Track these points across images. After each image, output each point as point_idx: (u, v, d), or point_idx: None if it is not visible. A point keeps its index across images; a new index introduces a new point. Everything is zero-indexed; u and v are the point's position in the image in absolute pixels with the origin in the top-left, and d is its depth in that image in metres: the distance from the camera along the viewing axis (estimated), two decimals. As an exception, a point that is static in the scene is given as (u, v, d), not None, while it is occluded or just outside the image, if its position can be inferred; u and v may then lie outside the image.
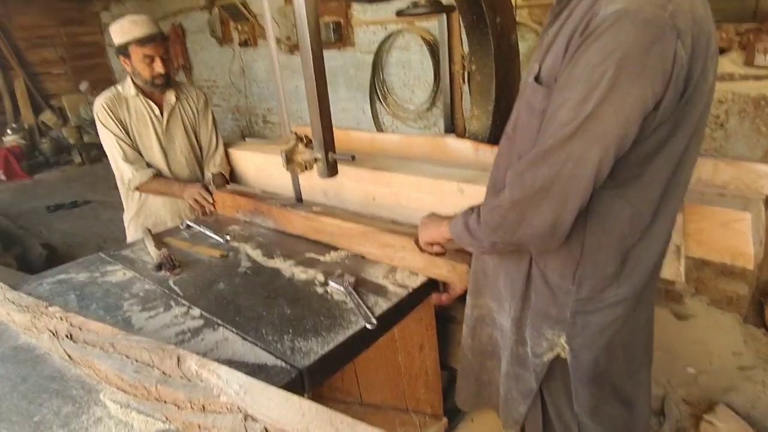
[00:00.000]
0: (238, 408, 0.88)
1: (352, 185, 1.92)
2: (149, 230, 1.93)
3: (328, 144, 1.64)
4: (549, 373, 1.08)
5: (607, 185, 0.90)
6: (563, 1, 0.93)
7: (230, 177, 2.37)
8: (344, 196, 1.98)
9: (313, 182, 2.00)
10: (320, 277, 1.50)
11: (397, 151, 2.30)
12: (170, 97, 2.19)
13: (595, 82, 0.80)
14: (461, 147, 2.08)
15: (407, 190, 1.77)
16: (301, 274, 1.55)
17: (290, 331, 1.25)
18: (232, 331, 1.27)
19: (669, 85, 0.81)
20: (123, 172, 2.13)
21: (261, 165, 2.30)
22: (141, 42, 2.00)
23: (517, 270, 1.09)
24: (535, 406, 1.14)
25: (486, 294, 1.24)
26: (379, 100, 4.66)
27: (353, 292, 1.39)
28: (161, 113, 2.18)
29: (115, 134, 2.09)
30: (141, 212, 2.26)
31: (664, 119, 0.85)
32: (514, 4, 2.05)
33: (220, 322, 1.32)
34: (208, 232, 1.91)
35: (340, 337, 1.22)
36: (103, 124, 2.10)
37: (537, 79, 0.93)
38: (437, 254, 1.42)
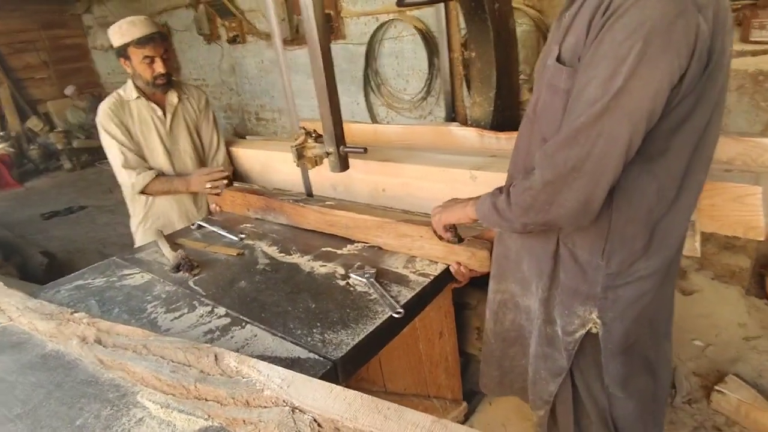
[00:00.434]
0: (284, 401, 0.89)
1: (362, 177, 1.93)
2: (161, 232, 1.92)
3: (340, 138, 1.65)
4: (579, 350, 1.11)
5: (635, 160, 0.91)
6: None
7: (234, 176, 2.36)
8: (354, 189, 1.99)
9: (322, 177, 2.00)
10: (340, 270, 1.52)
11: (400, 141, 2.31)
12: (172, 97, 2.17)
13: (622, 57, 0.81)
14: (466, 134, 2.10)
15: (417, 180, 1.78)
16: (320, 268, 1.56)
17: (318, 324, 1.27)
18: (261, 328, 1.29)
19: (693, 57, 0.83)
20: (126, 177, 2.11)
21: (267, 162, 2.30)
22: (140, 43, 1.99)
23: (543, 250, 1.11)
24: (565, 384, 1.16)
25: (509, 278, 1.26)
26: (373, 92, 4.65)
27: (376, 282, 1.40)
28: (164, 114, 2.16)
29: (118, 140, 2.07)
30: (149, 216, 2.25)
31: (688, 92, 0.87)
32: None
33: (247, 319, 1.33)
34: (221, 231, 1.92)
35: (369, 327, 1.24)
36: (106, 131, 2.08)
37: (559, 59, 0.94)
38: (449, 241, 1.43)
